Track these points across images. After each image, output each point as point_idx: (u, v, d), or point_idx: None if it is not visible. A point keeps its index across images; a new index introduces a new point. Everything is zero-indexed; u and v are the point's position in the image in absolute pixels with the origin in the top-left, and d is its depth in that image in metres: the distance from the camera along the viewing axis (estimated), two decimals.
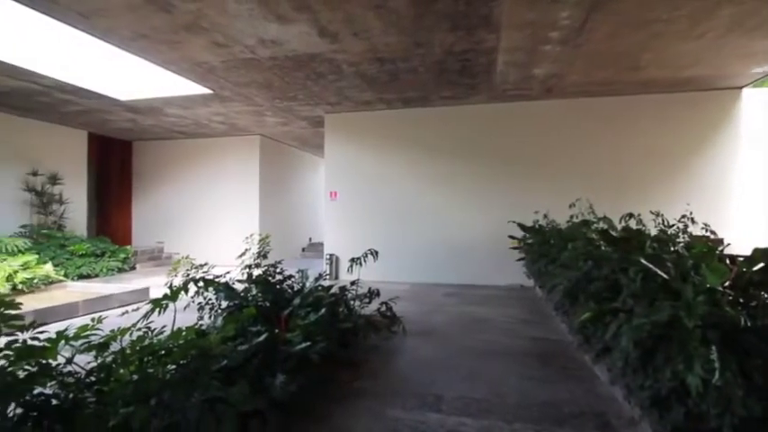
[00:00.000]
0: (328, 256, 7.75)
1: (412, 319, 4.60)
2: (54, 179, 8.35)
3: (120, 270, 8.30)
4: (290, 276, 3.93)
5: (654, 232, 3.68)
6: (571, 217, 5.10)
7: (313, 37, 4.44)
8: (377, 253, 4.25)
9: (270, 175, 10.19)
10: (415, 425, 2.38)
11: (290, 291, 3.70)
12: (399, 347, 3.78)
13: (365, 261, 4.20)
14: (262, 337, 2.36)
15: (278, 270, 3.85)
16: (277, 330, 2.68)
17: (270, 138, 10.06)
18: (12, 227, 7.61)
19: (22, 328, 1.78)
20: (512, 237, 6.22)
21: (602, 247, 3.20)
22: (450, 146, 7.33)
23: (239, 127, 8.92)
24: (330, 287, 3.87)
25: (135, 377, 1.80)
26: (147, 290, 5.91)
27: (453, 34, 4.41)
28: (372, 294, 4.16)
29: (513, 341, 3.98)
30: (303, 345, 2.54)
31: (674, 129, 6.53)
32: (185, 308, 2.74)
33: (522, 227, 5.82)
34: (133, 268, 8.77)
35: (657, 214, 4.20)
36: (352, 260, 4.24)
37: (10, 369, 1.59)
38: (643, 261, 2.33)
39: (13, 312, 1.77)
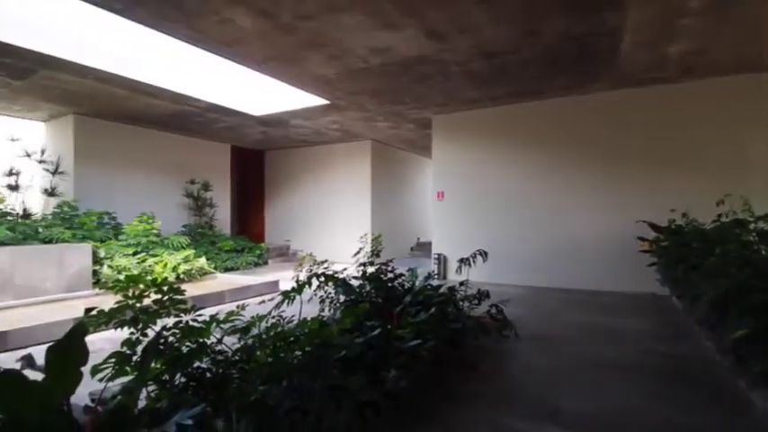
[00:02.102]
0: (436, 256, 7.78)
1: (524, 323, 4.37)
2: (206, 186, 9.92)
3: (256, 264, 9.49)
4: (401, 275, 4.05)
5: None
6: (719, 216, 4.30)
7: (420, 40, 4.51)
8: (486, 254, 4.14)
9: (380, 177, 10.62)
10: None
11: (400, 288, 3.82)
12: (512, 352, 3.62)
13: (474, 262, 4.13)
14: (376, 332, 2.48)
15: (389, 268, 4.00)
16: (389, 326, 2.79)
17: (380, 141, 10.48)
18: (176, 226, 9.25)
19: (186, 312, 2.14)
20: (641, 238, 5.48)
21: (764, 252, 2.65)
22: (566, 140, 6.76)
23: (353, 133, 9.48)
24: (439, 287, 3.90)
25: (270, 359, 2.05)
26: (277, 282, 6.65)
27: (568, 18, 4.07)
28: (482, 296, 4.07)
29: (645, 356, 3.52)
30: (414, 342, 2.61)
31: None
32: (309, 300, 3.02)
33: (654, 227, 5.10)
34: (266, 263, 9.94)
35: None
36: (461, 260, 4.19)
37: (176, 345, 1.92)
38: None
39: (180, 298, 2.15)
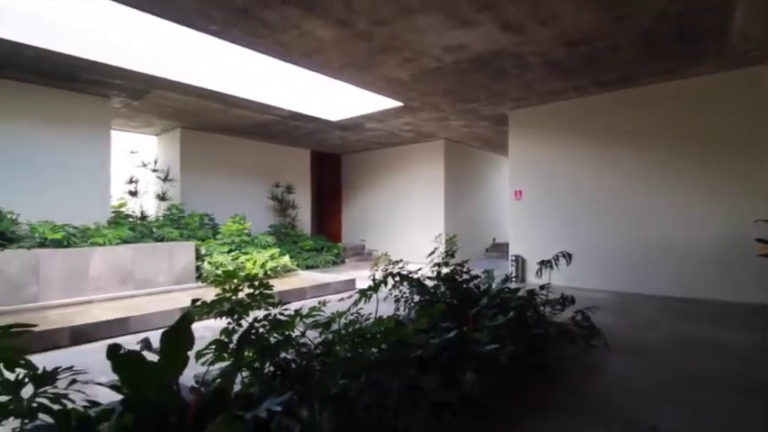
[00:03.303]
0: (513, 258, 7.48)
1: (614, 332, 4.03)
2: (289, 189, 10.60)
3: (334, 263, 9.90)
4: (476, 276, 3.96)
5: None
6: None
7: (495, 34, 4.38)
8: (570, 256, 3.89)
9: (453, 177, 10.48)
10: None
11: (476, 290, 3.74)
12: (600, 363, 3.36)
13: (557, 265, 3.90)
14: (452, 333, 2.46)
15: (464, 269, 3.93)
16: (465, 328, 2.76)
17: (453, 140, 10.34)
18: (263, 227, 10.00)
19: (274, 305, 2.30)
20: (761, 240, 4.74)
21: None
22: (664, 131, 6.06)
23: (425, 133, 9.48)
24: (517, 290, 3.76)
25: (349, 355, 2.14)
26: (353, 280, 6.88)
27: None
28: (566, 301, 3.83)
29: (761, 374, 3.05)
30: (492, 345, 2.55)
31: None
32: (385, 299, 3.09)
33: None
34: (343, 262, 10.33)
35: None
36: (542, 263, 3.98)
37: (266, 336, 2.08)
38: None
39: (269, 292, 2.32)
